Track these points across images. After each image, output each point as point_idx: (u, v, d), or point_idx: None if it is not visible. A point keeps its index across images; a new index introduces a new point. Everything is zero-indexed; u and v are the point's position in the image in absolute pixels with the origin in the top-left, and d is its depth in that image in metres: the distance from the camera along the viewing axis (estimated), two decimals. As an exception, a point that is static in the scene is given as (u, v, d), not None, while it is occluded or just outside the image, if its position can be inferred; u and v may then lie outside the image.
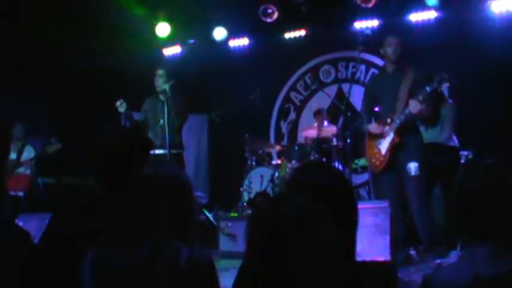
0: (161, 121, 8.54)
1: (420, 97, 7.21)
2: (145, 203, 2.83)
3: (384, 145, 7.57)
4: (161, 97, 8.67)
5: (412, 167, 7.28)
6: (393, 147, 7.48)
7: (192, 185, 2.99)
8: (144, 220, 2.79)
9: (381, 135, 7.60)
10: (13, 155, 10.46)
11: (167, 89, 8.41)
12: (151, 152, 8.52)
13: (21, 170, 10.44)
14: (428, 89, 7.18)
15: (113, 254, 2.78)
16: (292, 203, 2.25)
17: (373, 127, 7.70)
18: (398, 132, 7.43)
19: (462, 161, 8.54)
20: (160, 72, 8.77)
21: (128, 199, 2.89)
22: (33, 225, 5.99)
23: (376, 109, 7.95)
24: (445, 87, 8.39)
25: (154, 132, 8.69)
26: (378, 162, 7.66)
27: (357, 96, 9.61)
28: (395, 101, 7.50)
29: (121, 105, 8.45)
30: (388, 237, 6.90)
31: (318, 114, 10.80)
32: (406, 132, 7.45)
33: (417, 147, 7.48)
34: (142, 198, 2.85)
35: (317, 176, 2.80)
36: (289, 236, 2.14)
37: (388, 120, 7.52)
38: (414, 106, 7.24)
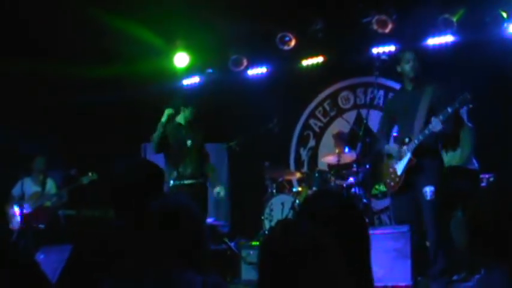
0: (188, 142, 8.58)
1: (441, 117, 6.94)
2: (153, 234, 2.85)
3: (400, 166, 7.32)
4: (183, 125, 8.69)
5: (428, 191, 7.01)
6: (410, 169, 7.24)
7: (202, 215, 3.03)
8: (152, 251, 2.81)
9: (399, 156, 7.38)
10: (37, 188, 10.54)
11: (188, 114, 8.58)
12: (181, 182, 8.54)
13: (43, 202, 10.51)
14: (450, 109, 6.91)
15: (124, 284, 2.82)
16: (304, 232, 2.24)
17: (393, 149, 7.47)
18: (416, 152, 7.19)
19: (483, 184, 8.43)
20: (168, 111, 8.73)
21: (138, 231, 2.93)
22: (54, 257, 6.03)
23: (394, 134, 7.82)
24: (464, 110, 8.28)
25: (180, 160, 8.60)
26: (392, 183, 7.44)
27: (375, 121, 9.46)
28: (413, 120, 7.24)
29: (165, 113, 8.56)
30: (409, 262, 6.81)
31: (337, 137, 10.63)
32: (425, 154, 7.20)
33: (435, 170, 7.21)
34: (152, 230, 2.87)
35: (326, 205, 2.80)
36: (302, 264, 2.13)
37: (406, 140, 7.26)
38: (436, 125, 6.97)
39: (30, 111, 11.07)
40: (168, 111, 8.56)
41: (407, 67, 7.34)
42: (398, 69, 7.46)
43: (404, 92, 7.58)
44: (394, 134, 7.76)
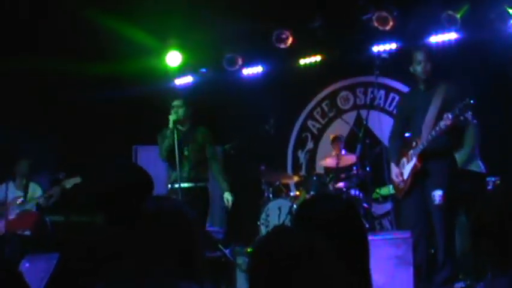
0: (185, 152, 8.45)
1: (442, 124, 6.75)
2: (146, 240, 2.79)
3: (407, 169, 7.14)
4: (180, 128, 8.51)
5: (436, 195, 6.80)
6: (416, 173, 7.02)
7: (196, 220, 2.96)
8: (145, 258, 2.75)
9: (407, 158, 7.16)
10: (19, 192, 10.26)
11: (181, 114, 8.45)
12: (180, 186, 8.35)
13: (27, 207, 10.20)
14: (450, 115, 6.64)
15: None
16: (299, 235, 2.24)
17: (394, 172, 7.29)
18: (421, 157, 6.97)
19: (489, 187, 8.18)
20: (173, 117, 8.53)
21: (129, 236, 2.90)
22: (40, 266, 6.07)
23: (407, 134, 7.52)
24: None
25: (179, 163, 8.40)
26: (400, 186, 7.27)
27: (375, 122, 9.38)
28: (422, 123, 7.04)
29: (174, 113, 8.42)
30: (411, 269, 6.68)
31: (335, 141, 10.53)
32: (432, 157, 6.97)
33: (444, 174, 6.97)
34: (143, 235, 2.81)
35: (324, 209, 2.80)
36: (297, 267, 2.11)
37: (414, 144, 7.08)
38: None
39: (16, 111, 10.89)
40: (172, 117, 8.38)
41: (419, 68, 7.13)
42: (411, 69, 7.24)
43: (417, 92, 7.38)
44: (406, 135, 7.47)
